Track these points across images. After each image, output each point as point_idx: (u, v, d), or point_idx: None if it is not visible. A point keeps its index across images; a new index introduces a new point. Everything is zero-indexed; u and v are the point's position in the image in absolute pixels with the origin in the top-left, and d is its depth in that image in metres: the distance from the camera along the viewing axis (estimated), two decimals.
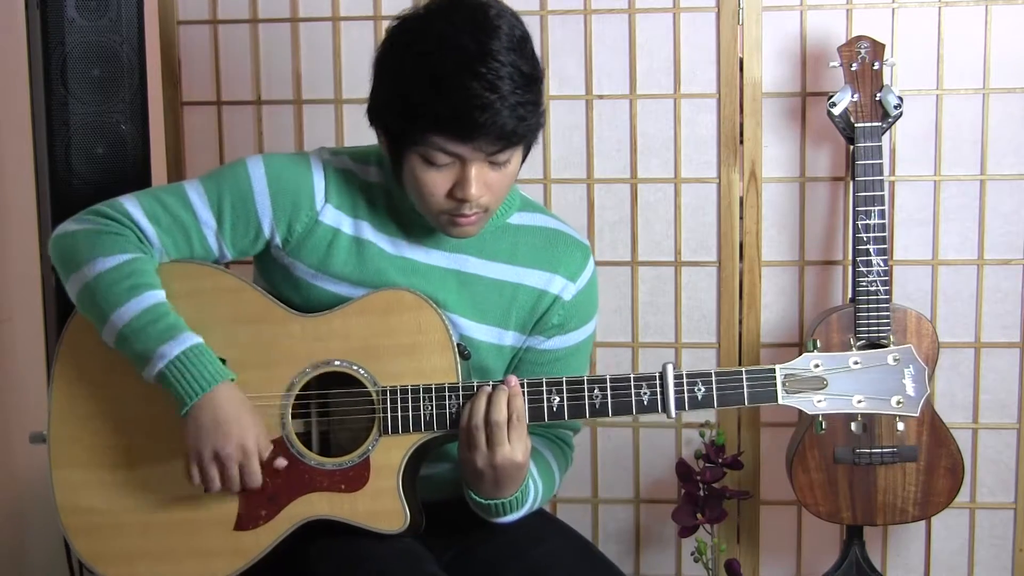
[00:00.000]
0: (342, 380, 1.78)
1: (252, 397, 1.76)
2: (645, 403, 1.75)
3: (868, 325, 2.44)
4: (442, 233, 1.82)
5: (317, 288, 1.83)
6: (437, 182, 1.72)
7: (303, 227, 1.82)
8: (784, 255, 2.73)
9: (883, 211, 2.45)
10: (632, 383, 1.75)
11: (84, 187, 2.38)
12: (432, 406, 1.76)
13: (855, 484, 2.51)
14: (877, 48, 2.46)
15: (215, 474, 1.73)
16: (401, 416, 1.76)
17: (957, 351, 2.70)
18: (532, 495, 1.83)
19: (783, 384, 1.73)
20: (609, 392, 1.75)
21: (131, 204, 1.80)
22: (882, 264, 2.45)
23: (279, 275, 1.86)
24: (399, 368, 1.77)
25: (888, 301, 2.45)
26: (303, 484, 1.77)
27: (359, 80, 2.63)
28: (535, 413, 1.75)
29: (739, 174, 2.71)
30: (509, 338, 1.90)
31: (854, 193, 2.46)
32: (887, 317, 2.44)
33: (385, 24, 2.52)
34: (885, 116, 2.46)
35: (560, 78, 2.73)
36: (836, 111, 2.46)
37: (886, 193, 2.48)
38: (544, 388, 1.76)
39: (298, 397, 1.79)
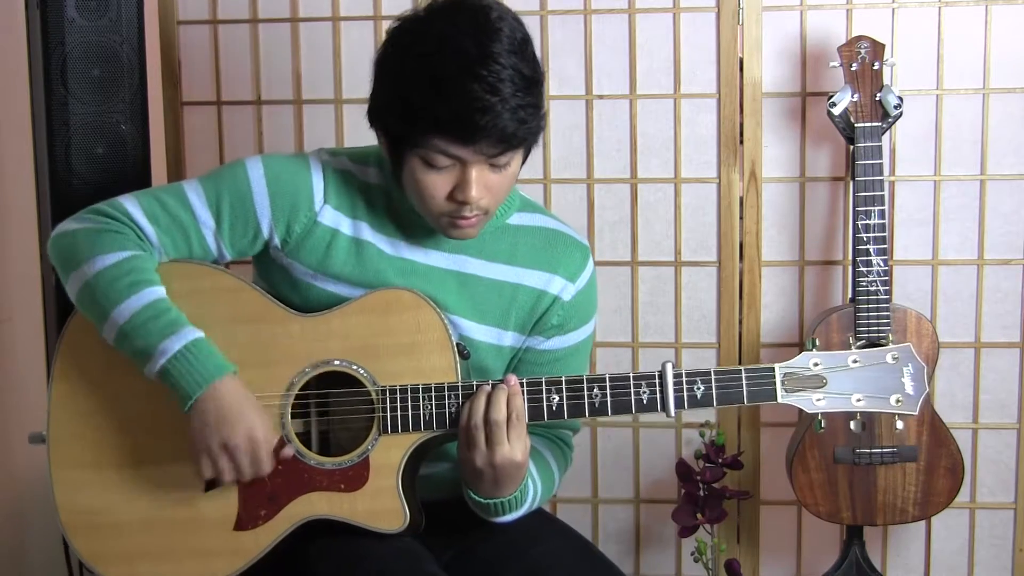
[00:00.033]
0: (341, 380, 1.78)
1: None
2: (644, 402, 1.75)
3: (868, 325, 2.44)
4: (442, 235, 1.82)
5: (316, 288, 1.83)
6: (437, 184, 1.72)
7: (302, 228, 1.82)
8: (784, 255, 2.73)
9: (883, 211, 2.45)
10: (631, 382, 1.75)
11: (84, 187, 2.38)
12: (431, 405, 1.76)
13: (855, 484, 2.51)
14: (877, 48, 2.46)
15: (226, 465, 1.73)
16: (400, 415, 1.76)
17: (957, 351, 2.70)
18: (531, 495, 1.83)
19: (782, 383, 1.73)
20: (608, 391, 1.75)
21: (130, 204, 1.80)
22: (882, 264, 2.45)
23: (278, 275, 1.86)
24: (398, 367, 1.77)
25: (888, 301, 2.45)
26: (303, 484, 1.77)
27: (359, 80, 2.63)
28: (534, 412, 1.75)
29: (739, 174, 2.71)
30: (508, 338, 1.90)
31: (854, 193, 2.46)
32: (887, 317, 2.44)
33: (385, 24, 2.53)
34: (885, 116, 2.46)
35: (560, 78, 2.73)
36: (836, 111, 2.46)
37: (886, 193, 2.48)
38: (543, 387, 1.76)
39: (297, 397, 1.79)
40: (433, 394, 1.76)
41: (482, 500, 1.78)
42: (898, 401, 1.72)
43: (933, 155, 2.67)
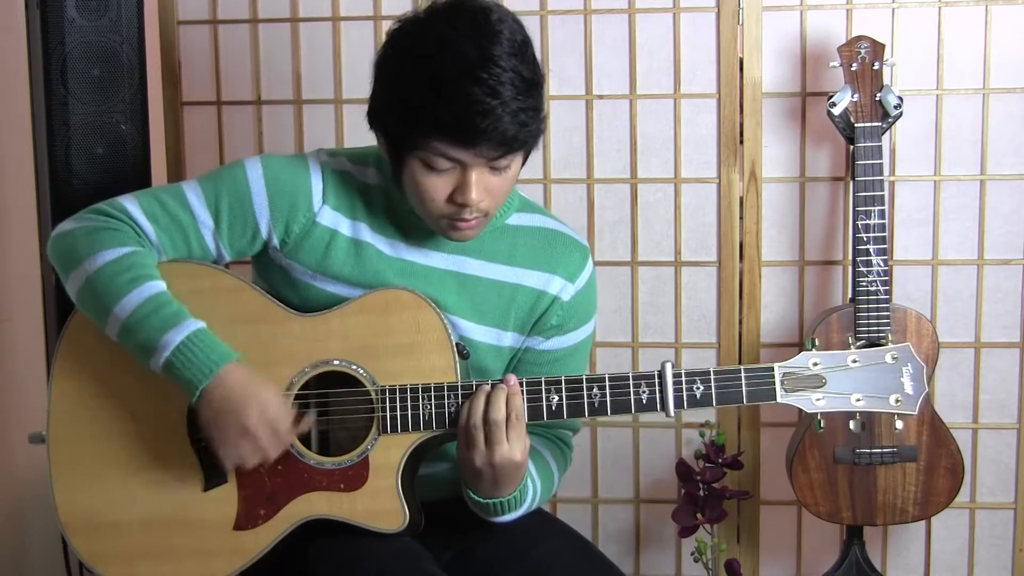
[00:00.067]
0: (341, 380, 1.78)
1: None
2: (644, 402, 1.75)
3: (868, 325, 2.44)
4: (441, 236, 1.82)
5: (315, 289, 1.83)
6: (437, 187, 1.72)
7: (300, 228, 1.82)
8: (784, 255, 2.73)
9: (883, 211, 2.45)
10: (631, 382, 1.75)
11: (84, 187, 2.38)
12: (431, 405, 1.76)
13: (855, 484, 2.51)
14: (877, 48, 2.46)
15: (248, 450, 1.71)
16: (400, 415, 1.76)
17: (957, 351, 2.70)
18: (531, 494, 1.83)
19: (782, 382, 1.73)
20: (608, 391, 1.75)
21: (129, 203, 1.81)
22: (882, 264, 2.45)
23: (277, 276, 1.86)
24: (398, 367, 1.77)
25: (888, 301, 2.45)
26: (302, 483, 1.77)
27: (359, 80, 2.64)
28: (534, 412, 1.75)
29: (739, 174, 2.71)
30: (508, 339, 1.90)
31: (854, 193, 2.46)
32: (887, 317, 2.44)
33: (385, 24, 2.53)
34: (885, 116, 2.46)
35: (560, 78, 2.73)
36: (836, 111, 2.46)
37: (886, 193, 2.48)
38: (543, 387, 1.76)
39: (297, 396, 1.79)
40: (432, 394, 1.76)
41: (481, 500, 1.78)
42: (897, 401, 1.72)
43: (933, 155, 2.67)
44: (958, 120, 2.65)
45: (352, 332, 1.78)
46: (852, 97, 2.46)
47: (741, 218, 2.72)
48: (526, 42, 1.71)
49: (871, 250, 2.44)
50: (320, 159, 1.86)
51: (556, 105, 2.72)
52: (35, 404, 2.20)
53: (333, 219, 1.83)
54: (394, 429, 1.76)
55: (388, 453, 1.76)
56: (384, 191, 1.85)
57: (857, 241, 2.45)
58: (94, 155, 2.40)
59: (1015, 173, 2.66)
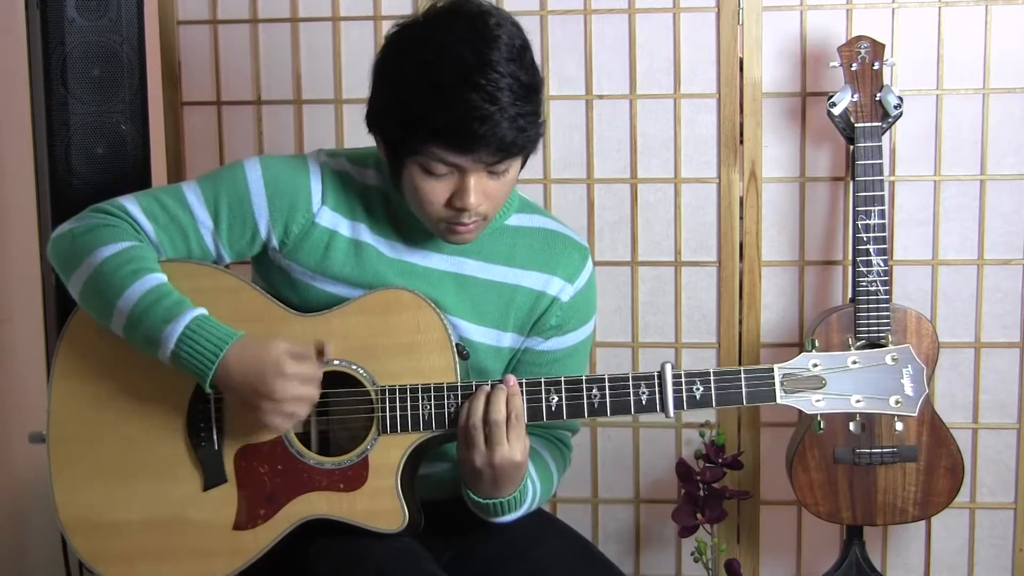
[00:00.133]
0: (341, 379, 1.78)
1: None
2: (644, 403, 1.75)
3: (868, 325, 2.44)
4: (440, 239, 1.82)
5: (315, 289, 1.84)
6: (436, 191, 1.72)
7: (299, 229, 1.82)
8: (784, 255, 2.73)
9: (883, 211, 2.45)
10: (631, 382, 1.75)
11: (84, 187, 2.38)
12: (431, 405, 1.76)
13: (855, 484, 2.51)
14: (877, 48, 2.46)
15: (289, 409, 1.69)
16: (400, 415, 1.76)
17: (957, 351, 2.69)
18: (530, 495, 1.83)
19: (781, 384, 1.73)
20: (608, 391, 1.75)
21: (129, 203, 1.81)
22: (882, 264, 2.45)
23: (277, 276, 1.86)
24: (398, 367, 1.77)
25: (888, 301, 2.45)
26: (302, 483, 1.77)
27: (359, 80, 2.62)
28: (534, 412, 1.75)
29: (739, 174, 2.71)
30: (507, 339, 1.90)
31: (854, 193, 2.46)
32: (887, 317, 2.44)
33: (385, 25, 2.54)
34: (885, 116, 2.46)
35: (560, 78, 2.73)
36: (836, 111, 2.46)
37: (886, 193, 2.48)
38: (543, 387, 1.76)
39: None
40: (432, 394, 1.76)
41: (481, 500, 1.78)
42: (897, 402, 1.72)
43: (933, 155, 2.66)
44: (958, 120, 2.65)
45: (352, 332, 1.78)
46: (852, 97, 2.46)
47: (741, 218, 2.72)
48: (525, 46, 1.71)
49: (871, 250, 2.44)
50: (320, 160, 1.86)
51: (556, 105, 2.72)
52: (35, 404, 2.20)
53: (332, 220, 1.83)
54: (394, 429, 1.76)
55: (388, 453, 1.76)
56: (384, 192, 1.85)
57: (857, 241, 2.45)
58: (94, 155, 2.40)
59: (1015, 173, 2.66)
